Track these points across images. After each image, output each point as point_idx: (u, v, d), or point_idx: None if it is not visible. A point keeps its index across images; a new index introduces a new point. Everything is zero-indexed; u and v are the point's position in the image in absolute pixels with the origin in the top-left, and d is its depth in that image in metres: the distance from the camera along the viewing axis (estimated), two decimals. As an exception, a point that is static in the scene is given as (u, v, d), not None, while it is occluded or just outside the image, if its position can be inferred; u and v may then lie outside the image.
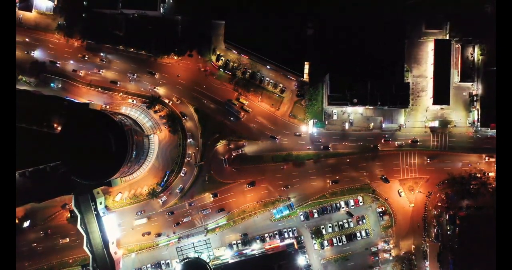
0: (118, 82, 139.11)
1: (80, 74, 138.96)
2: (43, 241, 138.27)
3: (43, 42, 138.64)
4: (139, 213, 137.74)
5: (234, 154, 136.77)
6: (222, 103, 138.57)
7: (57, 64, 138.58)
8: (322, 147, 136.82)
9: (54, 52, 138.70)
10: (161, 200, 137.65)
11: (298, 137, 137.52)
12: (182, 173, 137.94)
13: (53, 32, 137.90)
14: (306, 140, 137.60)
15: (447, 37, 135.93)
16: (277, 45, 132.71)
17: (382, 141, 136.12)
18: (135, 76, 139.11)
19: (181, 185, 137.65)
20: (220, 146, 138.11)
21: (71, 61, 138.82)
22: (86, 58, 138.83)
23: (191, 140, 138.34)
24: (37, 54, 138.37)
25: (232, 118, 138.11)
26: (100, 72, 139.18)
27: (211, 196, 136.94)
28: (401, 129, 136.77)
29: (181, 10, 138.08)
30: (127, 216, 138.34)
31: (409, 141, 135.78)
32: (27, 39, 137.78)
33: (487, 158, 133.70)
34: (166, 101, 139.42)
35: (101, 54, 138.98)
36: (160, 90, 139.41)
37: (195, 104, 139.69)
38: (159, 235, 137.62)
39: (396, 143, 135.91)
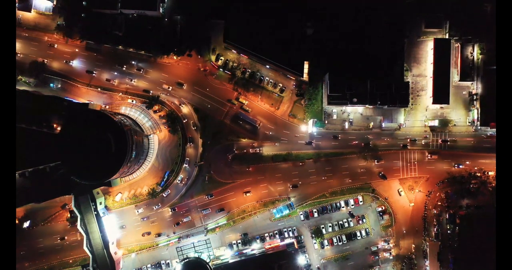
0: (150, 91, 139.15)
1: (114, 83, 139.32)
2: (43, 241, 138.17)
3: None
4: (138, 211, 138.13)
5: (251, 151, 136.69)
6: (222, 103, 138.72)
7: (94, 74, 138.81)
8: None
9: (54, 52, 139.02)
10: (164, 194, 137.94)
11: (298, 137, 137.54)
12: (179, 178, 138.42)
13: (52, 32, 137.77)
14: (306, 139, 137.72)
15: (447, 36, 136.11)
16: (276, 44, 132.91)
17: (408, 140, 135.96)
18: (169, 89, 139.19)
19: (181, 183, 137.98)
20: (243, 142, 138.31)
21: (108, 71, 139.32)
22: (123, 68, 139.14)
23: (191, 143, 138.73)
24: (75, 63, 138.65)
25: (248, 127, 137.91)
26: (133, 82, 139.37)
27: (207, 196, 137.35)
28: (400, 128, 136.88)
29: (180, 10, 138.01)
30: (128, 215, 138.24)
31: (439, 141, 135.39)
32: (67, 50, 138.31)
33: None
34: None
35: (133, 62, 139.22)
36: (184, 109, 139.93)
37: (195, 104, 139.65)
38: (159, 235, 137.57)
39: (423, 141, 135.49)
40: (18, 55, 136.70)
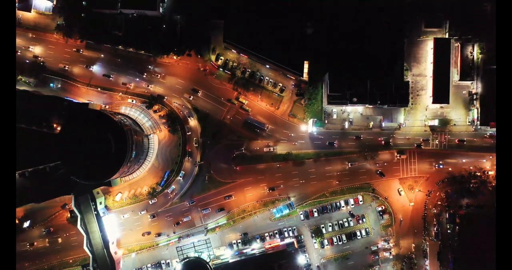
0: (165, 97, 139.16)
1: (130, 87, 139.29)
2: (43, 241, 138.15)
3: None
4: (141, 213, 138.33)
5: (265, 150, 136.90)
6: (222, 103, 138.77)
7: (111, 78, 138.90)
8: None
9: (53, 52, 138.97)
10: (169, 190, 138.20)
11: (299, 137, 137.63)
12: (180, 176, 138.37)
13: (52, 32, 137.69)
14: (306, 138, 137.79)
15: (447, 36, 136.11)
16: (276, 44, 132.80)
17: (421, 140, 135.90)
18: (190, 98, 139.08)
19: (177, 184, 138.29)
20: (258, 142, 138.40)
21: (125, 76, 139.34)
22: (144, 76, 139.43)
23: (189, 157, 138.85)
24: (95, 69, 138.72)
25: (258, 131, 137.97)
26: (149, 87, 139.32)
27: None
28: (400, 128, 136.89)
29: (180, 9, 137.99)
30: (130, 215, 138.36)
31: (456, 140, 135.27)
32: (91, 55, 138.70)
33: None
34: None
35: (150, 66, 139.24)
36: (191, 123, 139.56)
37: (195, 104, 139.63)
38: (159, 234, 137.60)
39: (436, 141, 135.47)
40: (39, 58, 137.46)
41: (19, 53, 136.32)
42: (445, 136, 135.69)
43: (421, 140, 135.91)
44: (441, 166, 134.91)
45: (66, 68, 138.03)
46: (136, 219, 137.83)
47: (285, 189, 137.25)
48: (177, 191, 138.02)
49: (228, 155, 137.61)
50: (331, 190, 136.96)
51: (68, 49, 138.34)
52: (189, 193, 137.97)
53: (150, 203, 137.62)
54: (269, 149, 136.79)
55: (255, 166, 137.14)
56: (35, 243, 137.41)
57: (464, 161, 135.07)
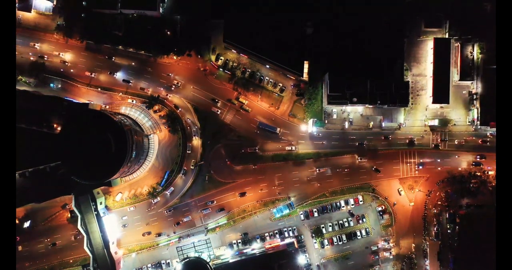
0: (179, 109, 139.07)
1: (147, 92, 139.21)
2: (43, 241, 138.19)
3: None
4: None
5: (287, 149, 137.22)
6: (222, 103, 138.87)
7: (130, 83, 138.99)
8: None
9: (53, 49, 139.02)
10: (168, 192, 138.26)
11: (299, 137, 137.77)
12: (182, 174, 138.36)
13: (52, 32, 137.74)
14: (306, 138, 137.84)
15: (447, 36, 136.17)
16: (276, 44, 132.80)
17: (439, 140, 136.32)
18: (218, 112, 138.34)
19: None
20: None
21: (160, 88, 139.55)
22: (166, 84, 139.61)
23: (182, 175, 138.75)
24: (119, 75, 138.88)
25: (285, 139, 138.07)
26: (168, 96, 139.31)
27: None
28: (400, 128, 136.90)
29: (180, 9, 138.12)
30: (128, 216, 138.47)
31: (480, 140, 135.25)
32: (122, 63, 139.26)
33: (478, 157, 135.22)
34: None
35: (170, 74, 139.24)
36: (195, 141, 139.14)
37: (195, 104, 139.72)
38: (159, 234, 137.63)
39: (456, 141, 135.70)
40: (66, 64, 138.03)
41: (46, 59, 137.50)
42: (445, 136, 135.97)
43: (415, 138, 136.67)
44: (420, 167, 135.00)
45: (93, 76, 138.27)
46: (151, 215, 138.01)
47: (285, 189, 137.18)
48: (177, 191, 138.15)
49: (228, 155, 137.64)
50: (331, 190, 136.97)
51: (101, 57, 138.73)
52: (189, 193, 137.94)
53: (153, 202, 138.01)
54: (291, 148, 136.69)
55: (255, 166, 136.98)
56: (35, 243, 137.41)
57: (463, 161, 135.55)
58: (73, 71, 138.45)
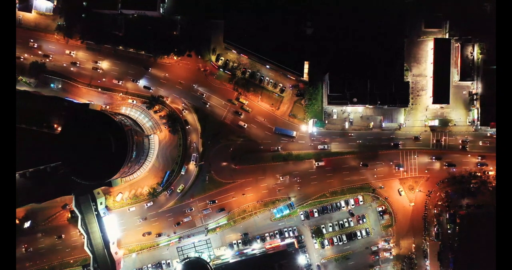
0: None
1: (167, 101, 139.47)
2: (43, 241, 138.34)
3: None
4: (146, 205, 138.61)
5: (319, 148, 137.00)
6: (223, 103, 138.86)
7: (151, 90, 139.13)
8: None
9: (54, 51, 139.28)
10: (167, 192, 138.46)
11: (300, 136, 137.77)
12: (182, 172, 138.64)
13: (52, 32, 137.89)
14: (306, 139, 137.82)
15: (447, 36, 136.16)
16: (276, 44, 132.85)
17: (460, 141, 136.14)
18: (244, 125, 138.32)
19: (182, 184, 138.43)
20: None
21: (162, 89, 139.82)
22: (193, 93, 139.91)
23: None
24: (141, 82, 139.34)
25: (285, 139, 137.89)
26: (184, 107, 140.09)
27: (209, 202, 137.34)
28: (400, 128, 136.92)
29: (180, 10, 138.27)
30: (128, 215, 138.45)
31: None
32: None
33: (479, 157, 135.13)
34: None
35: (194, 85, 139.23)
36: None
37: (195, 104, 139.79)
38: (159, 235, 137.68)
39: (460, 140, 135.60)
40: (99, 70, 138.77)
41: (78, 65, 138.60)
42: (444, 136, 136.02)
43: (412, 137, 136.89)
44: (401, 168, 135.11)
45: (120, 83, 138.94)
46: (155, 215, 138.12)
47: (285, 189, 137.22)
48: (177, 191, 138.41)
49: (228, 155, 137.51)
50: (331, 190, 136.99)
51: (134, 65, 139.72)
52: (189, 193, 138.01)
53: (149, 205, 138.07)
54: (323, 146, 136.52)
55: (255, 166, 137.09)
56: (36, 243, 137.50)
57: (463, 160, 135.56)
58: (73, 70, 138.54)
